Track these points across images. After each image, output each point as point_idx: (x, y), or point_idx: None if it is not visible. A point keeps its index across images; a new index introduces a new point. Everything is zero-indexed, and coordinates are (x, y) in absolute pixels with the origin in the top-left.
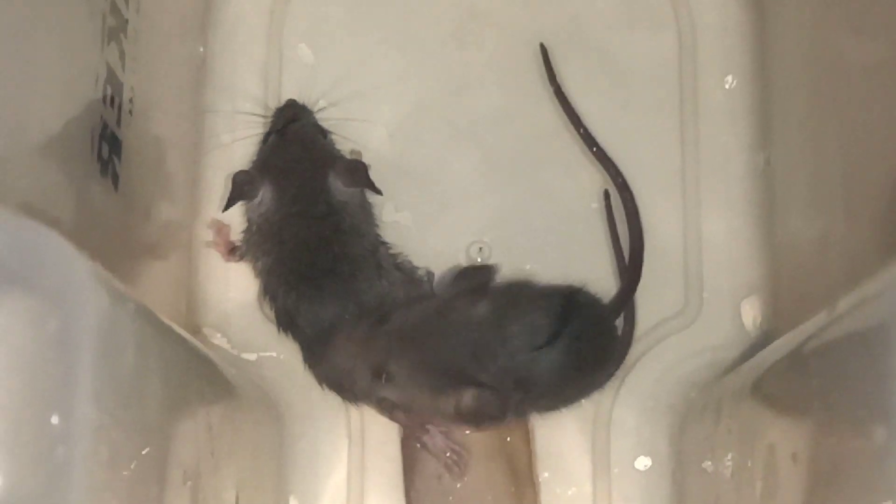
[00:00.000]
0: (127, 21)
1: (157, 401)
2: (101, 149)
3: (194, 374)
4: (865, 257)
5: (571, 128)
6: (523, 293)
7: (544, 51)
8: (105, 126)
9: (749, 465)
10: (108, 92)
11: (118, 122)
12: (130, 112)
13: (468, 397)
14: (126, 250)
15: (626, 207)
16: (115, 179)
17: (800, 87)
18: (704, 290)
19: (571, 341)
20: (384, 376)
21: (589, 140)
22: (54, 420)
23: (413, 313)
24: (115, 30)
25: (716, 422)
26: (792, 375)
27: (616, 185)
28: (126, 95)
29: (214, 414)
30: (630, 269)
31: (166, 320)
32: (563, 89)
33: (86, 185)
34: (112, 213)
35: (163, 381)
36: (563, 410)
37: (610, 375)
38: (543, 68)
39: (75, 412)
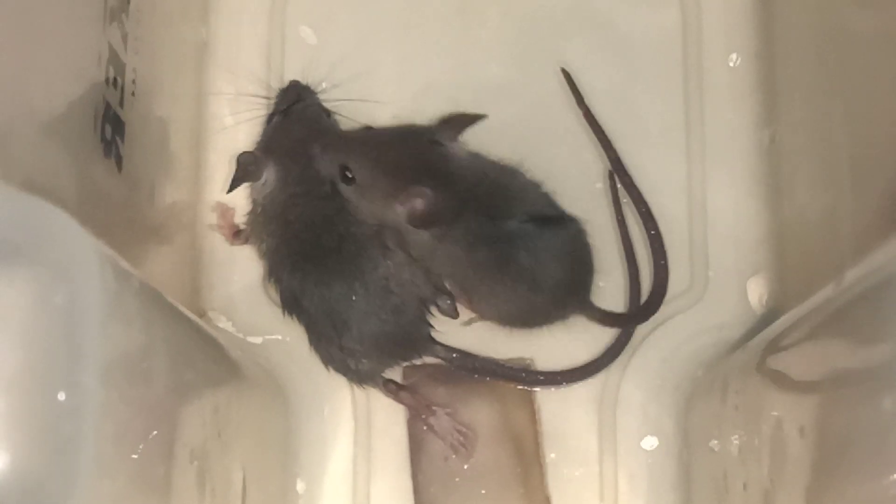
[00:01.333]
0: (128, 1)
1: (164, 379)
2: (104, 129)
3: (200, 355)
4: (873, 232)
5: (576, 106)
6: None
7: (567, 76)
8: (108, 107)
9: (756, 441)
10: (111, 72)
11: (121, 103)
12: (133, 93)
13: (419, 198)
14: (130, 232)
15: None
16: (119, 160)
17: (805, 62)
18: (710, 268)
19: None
20: (346, 174)
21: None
22: (61, 396)
23: (383, 131)
24: (117, 10)
25: (722, 399)
26: (799, 349)
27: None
28: (129, 76)
29: (221, 395)
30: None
31: (171, 300)
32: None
33: (89, 165)
34: (116, 195)
35: (169, 359)
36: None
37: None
38: (548, 45)
39: (82, 387)
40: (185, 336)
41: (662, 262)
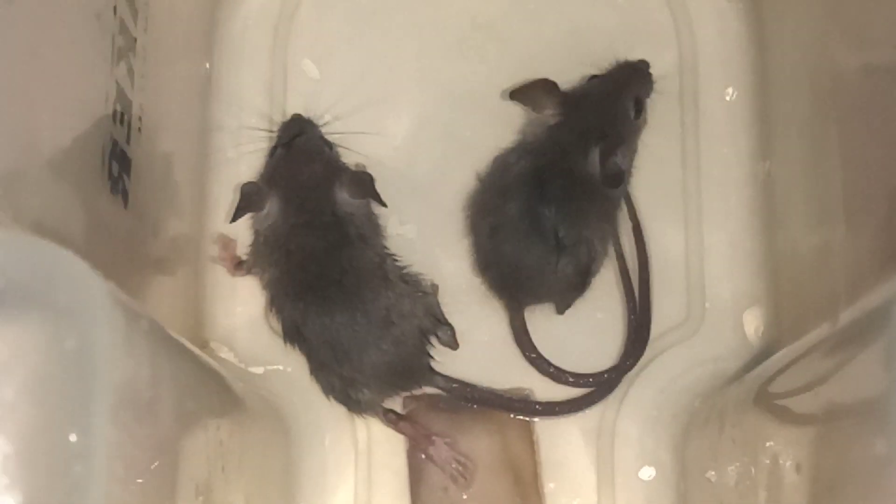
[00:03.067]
0: (135, 39)
1: (170, 416)
2: (111, 167)
3: (205, 389)
4: (867, 267)
5: None
6: None
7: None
8: (115, 144)
9: (752, 474)
10: (118, 110)
11: (128, 139)
12: (139, 129)
13: None
14: (135, 266)
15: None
16: (125, 197)
17: (800, 97)
18: (706, 300)
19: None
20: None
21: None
22: (72, 437)
23: None
24: (125, 49)
25: (719, 432)
26: (794, 386)
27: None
28: (135, 113)
29: (225, 428)
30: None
31: (177, 336)
32: None
33: (97, 203)
34: (122, 230)
35: (175, 396)
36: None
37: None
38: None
39: (92, 429)
40: (190, 372)
41: (646, 313)
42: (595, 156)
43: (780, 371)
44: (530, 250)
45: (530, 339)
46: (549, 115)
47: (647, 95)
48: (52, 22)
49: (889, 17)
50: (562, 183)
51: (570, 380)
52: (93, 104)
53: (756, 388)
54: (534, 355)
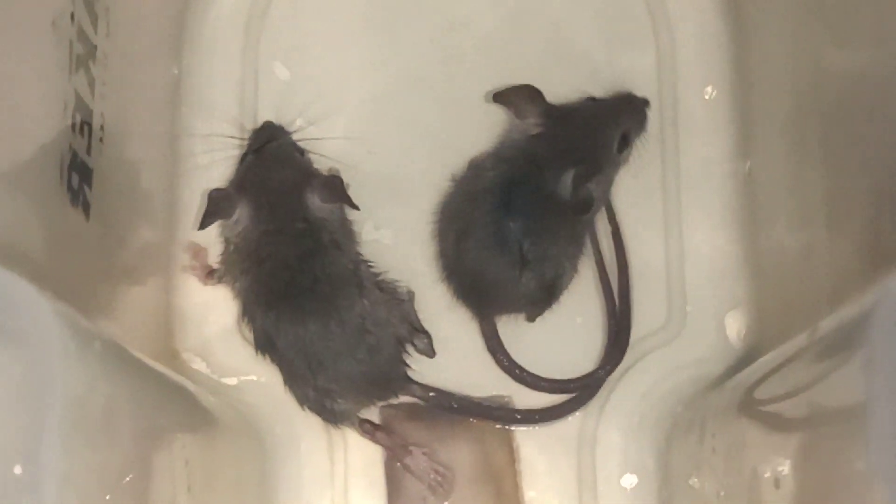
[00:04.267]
0: (96, 46)
1: (130, 439)
2: (70, 179)
3: (169, 408)
4: (849, 271)
5: None
6: None
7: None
8: (75, 155)
9: (734, 485)
10: (77, 120)
11: (88, 150)
12: (101, 139)
13: None
14: (100, 278)
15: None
16: (87, 208)
17: (781, 96)
18: (688, 303)
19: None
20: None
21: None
22: (17, 470)
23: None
24: (84, 56)
25: (700, 440)
26: (776, 394)
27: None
28: (97, 122)
29: (191, 447)
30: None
31: (138, 354)
32: None
33: (55, 217)
34: (84, 243)
35: (134, 420)
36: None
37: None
38: (524, 79)
39: (41, 461)
40: (151, 392)
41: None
42: (568, 178)
43: (761, 379)
44: (494, 261)
45: (502, 346)
46: (531, 124)
47: (637, 134)
48: (1, 31)
49: (872, 15)
50: (531, 198)
51: (546, 385)
52: (48, 115)
53: (737, 397)
54: (506, 362)
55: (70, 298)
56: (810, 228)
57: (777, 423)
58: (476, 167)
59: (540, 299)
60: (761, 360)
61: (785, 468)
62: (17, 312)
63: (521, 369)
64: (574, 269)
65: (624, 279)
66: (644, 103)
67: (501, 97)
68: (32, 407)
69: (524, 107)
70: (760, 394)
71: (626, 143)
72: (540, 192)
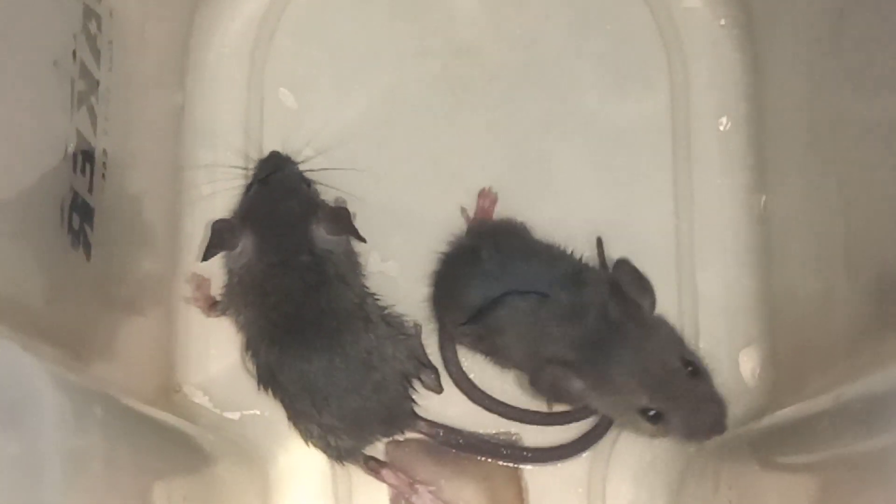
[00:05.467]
0: (98, 82)
1: (128, 488)
2: (71, 220)
3: (168, 453)
4: (869, 318)
5: (562, 173)
6: None
7: (600, 242)
8: (76, 196)
9: None
10: (79, 160)
11: (90, 188)
12: (103, 176)
13: None
14: (101, 315)
15: None
16: (88, 249)
17: (797, 131)
18: (701, 340)
19: None
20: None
21: None
22: None
23: None
24: (86, 93)
25: (715, 489)
26: (794, 453)
27: None
28: (99, 159)
29: (191, 489)
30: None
31: (138, 406)
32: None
33: (55, 262)
34: (84, 283)
35: (133, 469)
36: None
37: None
38: (534, 106)
39: None
40: (151, 438)
41: None
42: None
43: (780, 434)
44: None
45: (457, 363)
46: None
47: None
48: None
49: (892, 60)
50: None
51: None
52: (49, 158)
53: (754, 450)
54: (461, 380)
55: (68, 343)
56: (828, 271)
57: (795, 480)
58: None
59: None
60: (780, 412)
61: None
62: (11, 385)
63: (492, 399)
64: None
65: None
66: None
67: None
68: (30, 483)
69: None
70: (779, 448)
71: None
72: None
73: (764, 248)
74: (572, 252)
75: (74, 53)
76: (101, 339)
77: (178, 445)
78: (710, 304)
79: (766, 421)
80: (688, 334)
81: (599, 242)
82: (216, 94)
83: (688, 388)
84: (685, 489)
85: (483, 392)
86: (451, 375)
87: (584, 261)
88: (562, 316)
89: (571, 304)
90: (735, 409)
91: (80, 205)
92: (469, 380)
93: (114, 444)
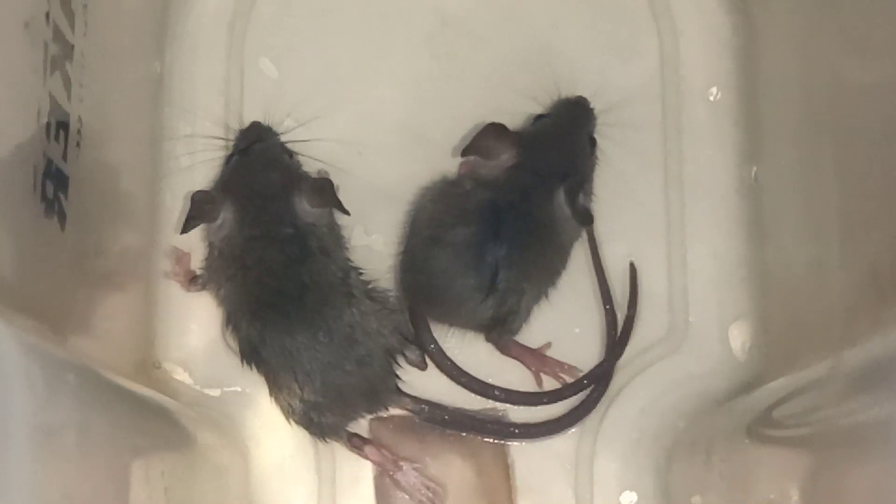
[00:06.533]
0: (73, 46)
1: (104, 463)
2: (44, 188)
3: (146, 429)
4: (865, 289)
5: None
6: None
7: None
8: (49, 163)
9: None
10: (53, 125)
11: (64, 156)
12: (78, 144)
13: None
14: (77, 289)
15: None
16: (62, 218)
17: (791, 100)
18: (690, 313)
19: None
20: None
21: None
22: None
23: None
24: (60, 57)
25: (706, 462)
26: (788, 424)
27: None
28: (74, 126)
29: (171, 466)
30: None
31: (115, 378)
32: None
33: (27, 230)
34: (59, 254)
35: (109, 443)
36: None
37: None
38: (518, 79)
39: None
40: (128, 412)
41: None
42: (560, 197)
43: (774, 405)
44: (462, 280)
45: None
46: (505, 159)
47: (594, 131)
48: None
49: (893, 22)
50: (521, 227)
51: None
52: (20, 123)
53: (747, 421)
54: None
55: (43, 316)
56: (822, 242)
57: (790, 451)
58: (455, 183)
59: (487, 327)
60: (774, 383)
61: (796, 496)
62: None
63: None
64: (528, 313)
65: (607, 297)
66: (586, 101)
67: (470, 149)
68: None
69: (494, 147)
70: (773, 420)
71: (593, 143)
72: (529, 220)
73: (755, 220)
74: None
75: (48, 15)
76: (77, 312)
77: (158, 421)
78: (700, 277)
79: (759, 393)
80: (677, 307)
81: (632, 270)
82: (195, 62)
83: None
84: (674, 464)
85: (466, 372)
86: (430, 357)
87: None
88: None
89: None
90: (726, 382)
91: (55, 172)
92: (451, 360)
93: (88, 416)
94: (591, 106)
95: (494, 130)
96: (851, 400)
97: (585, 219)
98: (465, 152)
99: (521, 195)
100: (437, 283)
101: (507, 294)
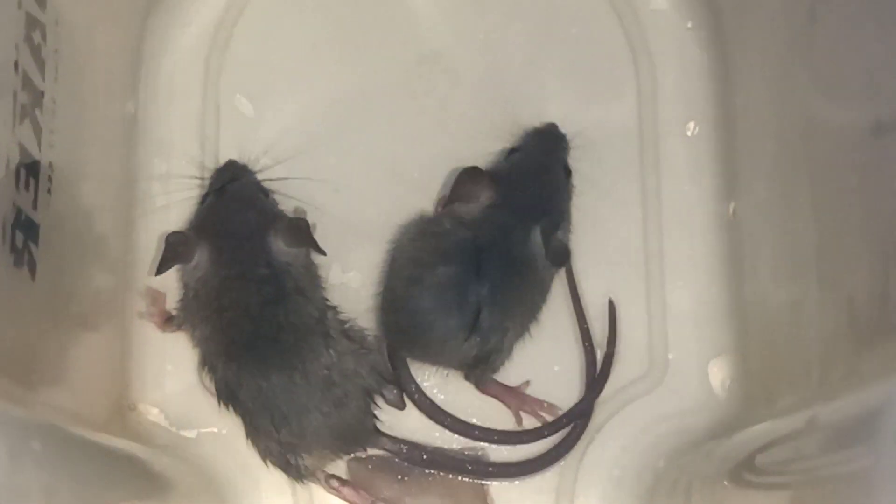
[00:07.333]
0: (43, 93)
1: None
2: (14, 239)
3: (118, 481)
4: (843, 331)
5: None
6: None
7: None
8: (19, 213)
9: None
10: (22, 175)
11: (34, 204)
12: (49, 191)
13: None
14: (50, 334)
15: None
16: (33, 267)
17: (767, 136)
18: (669, 350)
19: None
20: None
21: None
22: None
23: None
24: (30, 105)
25: (687, 503)
26: (766, 472)
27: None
28: (44, 173)
29: None
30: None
31: (83, 433)
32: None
33: None
34: (29, 304)
35: (78, 500)
36: None
37: None
38: (498, 114)
39: None
40: (98, 467)
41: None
42: (537, 236)
43: (753, 453)
44: (445, 320)
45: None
46: (483, 200)
47: (567, 158)
48: None
49: (862, 65)
50: (501, 265)
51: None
52: None
53: (726, 467)
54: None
55: (10, 370)
56: (799, 281)
57: (770, 497)
58: (433, 222)
59: (469, 366)
60: (753, 429)
61: None
62: None
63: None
64: (510, 351)
65: (582, 321)
66: (556, 128)
67: (452, 198)
68: None
69: (472, 191)
70: (754, 466)
71: (568, 172)
72: (509, 258)
73: (734, 257)
74: None
75: (16, 64)
76: (48, 360)
77: (130, 473)
78: (679, 314)
79: (738, 437)
80: (657, 344)
81: (611, 307)
82: (170, 102)
83: None
84: (656, 501)
85: (445, 411)
86: (410, 397)
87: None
88: None
89: None
90: (706, 419)
91: (24, 222)
92: (430, 400)
93: (55, 477)
94: (562, 132)
95: (470, 175)
96: (831, 453)
97: (560, 259)
98: (445, 204)
99: (501, 234)
100: (419, 323)
101: (490, 332)
